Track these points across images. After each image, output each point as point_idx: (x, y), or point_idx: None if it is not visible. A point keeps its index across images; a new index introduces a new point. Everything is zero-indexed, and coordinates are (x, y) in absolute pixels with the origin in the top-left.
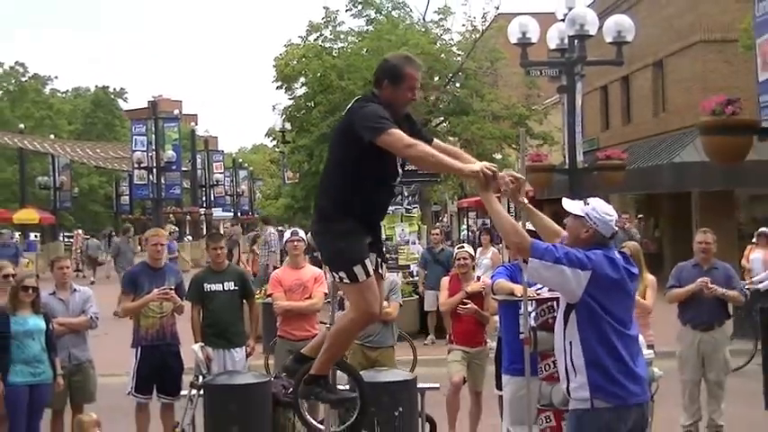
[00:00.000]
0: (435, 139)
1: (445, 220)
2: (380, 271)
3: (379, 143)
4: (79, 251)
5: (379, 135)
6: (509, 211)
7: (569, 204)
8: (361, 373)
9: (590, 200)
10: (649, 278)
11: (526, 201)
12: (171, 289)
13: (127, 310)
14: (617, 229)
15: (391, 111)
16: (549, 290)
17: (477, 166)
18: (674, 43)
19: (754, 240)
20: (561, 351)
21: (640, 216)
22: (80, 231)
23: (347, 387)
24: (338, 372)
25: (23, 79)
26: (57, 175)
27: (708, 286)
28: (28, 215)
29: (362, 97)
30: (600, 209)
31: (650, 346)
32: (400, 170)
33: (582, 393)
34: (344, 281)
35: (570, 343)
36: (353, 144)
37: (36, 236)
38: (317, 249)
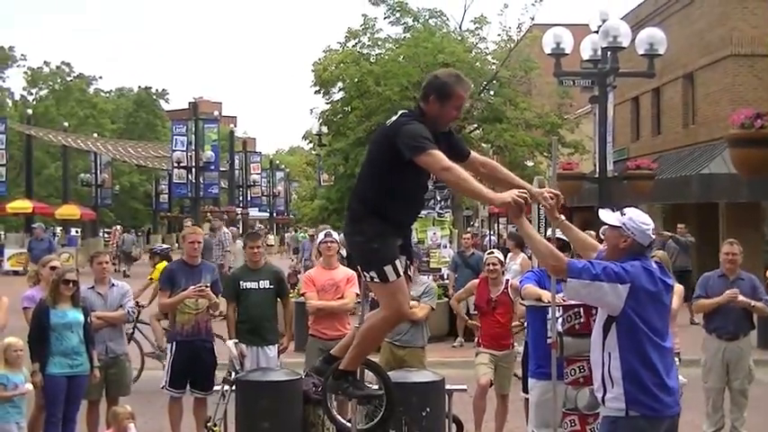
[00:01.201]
0: (473, 153)
1: (476, 224)
2: (409, 273)
3: (417, 161)
4: (115, 246)
5: (419, 155)
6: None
7: (606, 215)
8: (390, 373)
9: (626, 210)
10: (677, 287)
11: (563, 217)
12: (206, 286)
13: (164, 306)
14: (654, 237)
15: (434, 125)
16: None
17: (507, 196)
18: (705, 57)
19: None
20: (599, 362)
21: (691, 239)
22: (118, 228)
23: (375, 386)
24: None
25: (69, 79)
26: (98, 172)
27: (736, 299)
28: (69, 211)
29: (407, 112)
30: (637, 218)
31: (676, 354)
32: (431, 184)
33: (618, 404)
34: (375, 280)
35: (609, 354)
36: (393, 156)
37: (77, 231)
38: (348, 250)
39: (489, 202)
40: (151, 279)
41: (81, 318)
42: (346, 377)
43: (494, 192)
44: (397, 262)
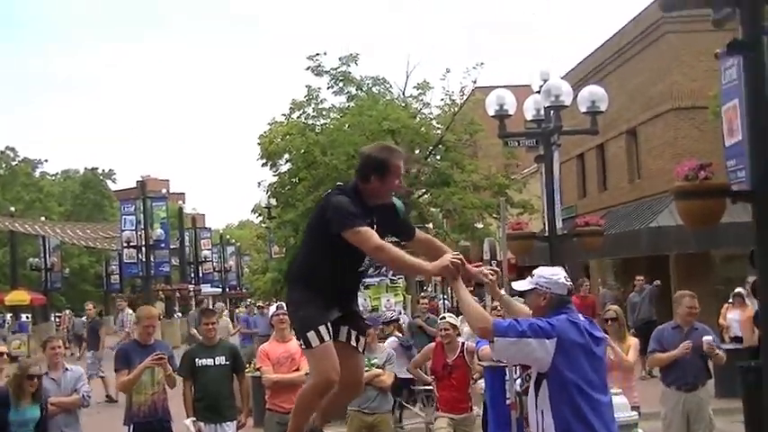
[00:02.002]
0: (418, 231)
1: (429, 289)
2: (356, 344)
3: (346, 237)
4: (66, 330)
5: (347, 231)
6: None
7: (518, 285)
8: None
9: (535, 270)
10: (633, 340)
11: (503, 293)
12: (164, 356)
13: (123, 384)
14: (570, 283)
15: (377, 199)
16: None
17: (443, 261)
18: (646, 111)
19: (730, 300)
20: (534, 422)
21: (657, 282)
22: (90, 306)
23: None
24: None
25: (14, 163)
26: (47, 256)
27: (689, 352)
28: (19, 297)
29: (338, 187)
30: (545, 274)
31: (635, 408)
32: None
33: None
34: (302, 346)
35: (542, 412)
36: (322, 228)
37: (27, 317)
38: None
39: (426, 273)
40: None
41: (38, 414)
42: None
43: (428, 262)
44: (322, 328)
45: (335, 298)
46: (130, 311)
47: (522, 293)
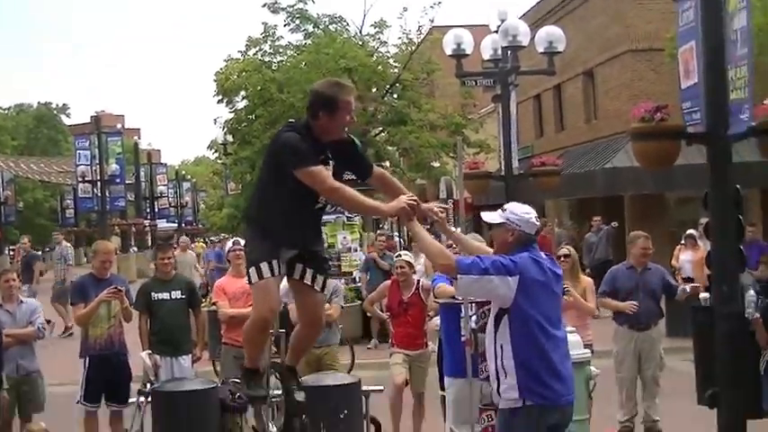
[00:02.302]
0: (376, 168)
1: (386, 227)
2: (311, 283)
3: (298, 176)
4: (19, 263)
5: (298, 170)
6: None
7: (488, 216)
8: (306, 377)
9: (506, 205)
10: (586, 280)
11: (454, 230)
12: (119, 289)
13: (80, 317)
14: (539, 224)
15: (328, 135)
16: None
17: (399, 203)
18: (603, 53)
19: (682, 242)
20: (492, 354)
21: (614, 223)
22: (26, 240)
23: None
24: None
25: None
26: (1, 190)
27: (635, 311)
28: None
29: (289, 124)
30: (518, 210)
31: (588, 346)
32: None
33: (512, 394)
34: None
35: (501, 346)
36: (276, 166)
37: None
38: None
39: (381, 214)
40: None
41: None
42: (246, 374)
43: (383, 203)
44: (263, 265)
45: (291, 236)
46: (68, 244)
47: (490, 226)
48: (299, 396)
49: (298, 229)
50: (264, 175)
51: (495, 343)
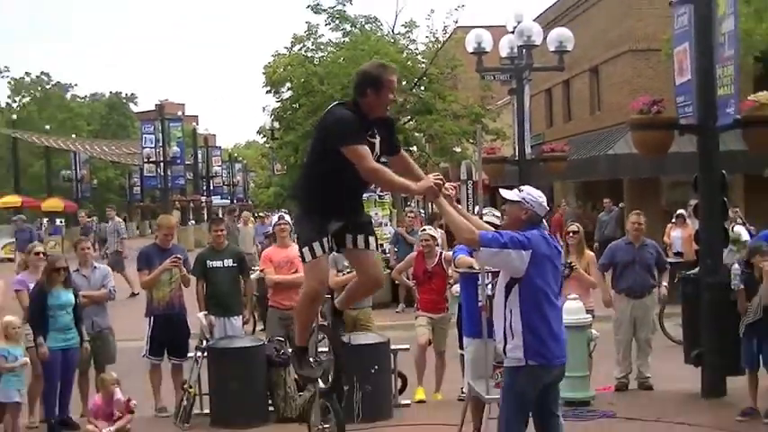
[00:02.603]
0: (402, 152)
1: (413, 204)
2: (364, 246)
3: (344, 151)
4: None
5: (346, 145)
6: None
7: (508, 193)
8: (342, 337)
9: (523, 187)
10: (590, 255)
11: (460, 206)
12: (179, 258)
13: (145, 282)
14: (548, 208)
15: (374, 113)
16: None
17: (427, 182)
18: (607, 52)
19: (673, 220)
20: (501, 317)
21: (621, 204)
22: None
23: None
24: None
25: (48, 87)
26: (78, 169)
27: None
28: (54, 204)
29: (340, 102)
30: (533, 193)
31: (590, 311)
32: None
33: (517, 353)
34: (300, 257)
35: (511, 311)
36: (323, 141)
37: (61, 221)
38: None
39: (412, 192)
40: None
41: (72, 299)
42: (297, 352)
43: (413, 183)
44: (316, 244)
45: (335, 211)
46: (120, 219)
47: (507, 201)
48: (345, 338)
49: (343, 202)
50: (312, 150)
51: (506, 308)
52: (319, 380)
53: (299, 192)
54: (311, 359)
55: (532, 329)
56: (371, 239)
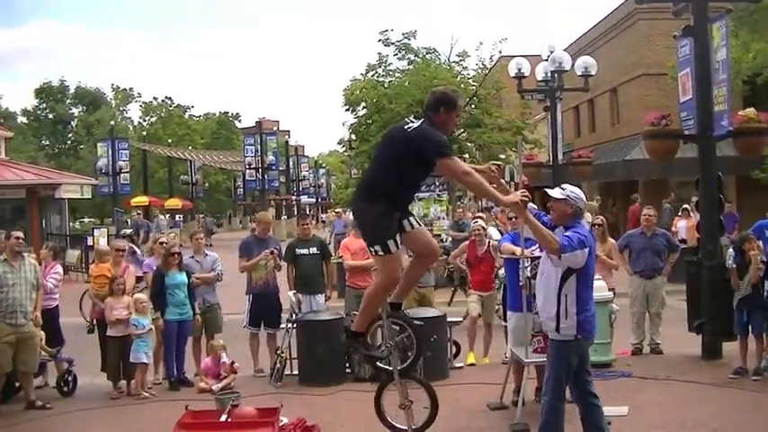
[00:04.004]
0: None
1: (466, 201)
2: (417, 225)
3: (438, 163)
4: (202, 226)
5: (444, 158)
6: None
7: (554, 192)
8: (408, 310)
9: (564, 185)
10: (611, 242)
11: (530, 216)
12: (274, 250)
13: (245, 267)
14: (586, 202)
15: (444, 130)
16: (540, 250)
17: (514, 197)
18: (624, 76)
19: (679, 213)
20: (555, 300)
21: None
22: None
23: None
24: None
25: (170, 108)
26: (193, 174)
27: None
28: (174, 203)
29: (423, 119)
30: (575, 190)
31: (611, 290)
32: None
33: (570, 331)
34: (379, 253)
35: (566, 296)
36: (412, 154)
37: (179, 217)
38: (359, 225)
39: (498, 202)
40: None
41: (185, 279)
42: (356, 338)
43: (501, 194)
44: (390, 242)
45: (398, 207)
46: (163, 217)
47: (552, 199)
48: (416, 323)
49: (406, 202)
50: (396, 159)
51: (561, 293)
52: (398, 360)
53: (374, 194)
54: (383, 343)
55: (585, 311)
56: (413, 219)
